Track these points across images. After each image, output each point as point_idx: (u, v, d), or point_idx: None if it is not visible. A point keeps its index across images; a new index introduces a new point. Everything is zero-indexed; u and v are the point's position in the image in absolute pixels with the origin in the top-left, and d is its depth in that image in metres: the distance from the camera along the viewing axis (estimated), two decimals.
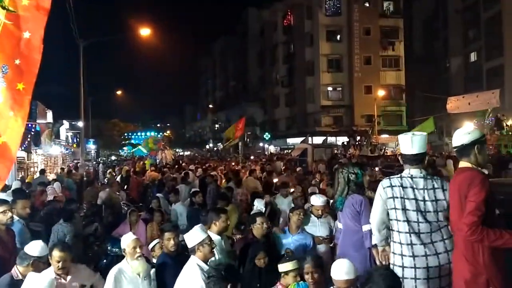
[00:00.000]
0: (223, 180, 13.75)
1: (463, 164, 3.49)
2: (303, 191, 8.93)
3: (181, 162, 26.40)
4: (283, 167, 17.97)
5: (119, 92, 42.73)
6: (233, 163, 22.83)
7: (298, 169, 15.56)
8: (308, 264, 3.93)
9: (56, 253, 4.11)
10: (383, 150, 31.05)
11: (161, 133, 60.11)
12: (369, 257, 4.96)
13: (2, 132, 4.05)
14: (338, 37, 47.17)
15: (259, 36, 60.35)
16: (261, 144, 54.75)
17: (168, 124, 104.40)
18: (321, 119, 46.76)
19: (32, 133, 16.68)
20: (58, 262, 4.10)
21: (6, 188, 7.52)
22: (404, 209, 3.74)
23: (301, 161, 22.65)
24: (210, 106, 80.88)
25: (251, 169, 15.30)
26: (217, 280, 3.27)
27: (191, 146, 78.37)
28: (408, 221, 3.73)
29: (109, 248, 7.05)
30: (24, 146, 15.83)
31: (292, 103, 52.19)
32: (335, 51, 46.94)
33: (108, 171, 21.50)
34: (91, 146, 41.22)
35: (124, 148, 62.67)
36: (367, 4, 46.72)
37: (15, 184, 9.74)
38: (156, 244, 5.41)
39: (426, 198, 3.75)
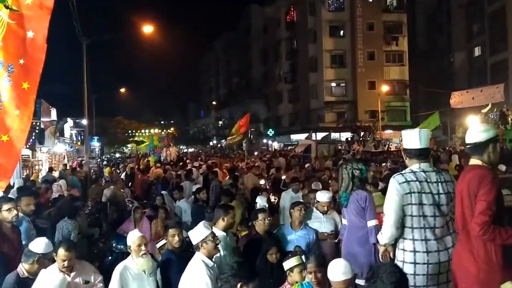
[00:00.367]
0: (227, 177, 13.77)
1: (474, 161, 3.45)
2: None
3: (185, 158, 26.47)
4: (286, 163, 17.94)
5: (122, 90, 42.82)
6: (236, 160, 22.85)
7: (307, 165, 15.50)
8: (311, 263, 3.87)
9: (62, 252, 4.14)
10: (387, 146, 30.98)
11: (165, 131, 60.17)
12: (374, 253, 4.97)
13: (8, 130, 4.08)
14: (341, 32, 46.95)
15: (262, 33, 60.19)
16: (264, 141, 54.74)
17: (172, 121, 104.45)
18: (325, 115, 46.66)
19: (37, 131, 16.72)
20: (64, 261, 4.14)
21: (9, 187, 7.58)
22: (420, 204, 3.72)
23: (305, 157, 22.64)
24: (214, 103, 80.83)
25: (251, 165, 15.32)
26: (229, 277, 3.23)
27: (195, 143, 78.45)
28: (423, 216, 3.72)
29: (114, 245, 7.09)
30: (29, 144, 15.88)
31: (296, 99, 52.09)
32: (338, 46, 46.75)
33: (106, 169, 21.65)
34: (95, 144, 41.31)
35: (128, 145, 62.82)
36: None
37: (18, 183, 9.79)
38: (164, 244, 5.43)
39: (440, 191, 3.76)
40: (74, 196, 9.48)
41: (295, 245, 5.26)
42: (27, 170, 17.13)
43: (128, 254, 4.48)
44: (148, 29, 19.62)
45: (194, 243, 4.20)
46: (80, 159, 25.83)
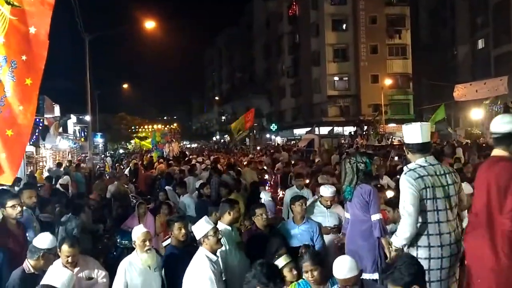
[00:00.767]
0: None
1: (498, 152, 3.35)
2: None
3: (187, 153, 26.54)
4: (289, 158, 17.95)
5: (125, 86, 42.85)
6: (239, 155, 22.89)
7: (317, 160, 15.40)
8: (307, 262, 3.75)
9: (65, 248, 4.18)
10: (390, 140, 30.95)
11: (168, 126, 60.24)
12: (378, 247, 4.96)
13: (12, 124, 4.11)
14: (344, 26, 46.76)
15: (265, 27, 60.04)
16: (267, 136, 54.74)
17: (175, 117, 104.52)
18: (328, 109, 46.57)
19: (40, 127, 16.76)
20: (67, 257, 4.17)
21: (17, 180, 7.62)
22: (434, 198, 3.71)
23: (308, 152, 22.62)
24: (216, 98, 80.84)
25: (249, 160, 15.29)
26: (250, 278, 3.11)
27: (198, 139, 78.59)
28: (437, 210, 3.71)
29: (118, 240, 7.13)
30: (33, 140, 15.92)
31: (298, 93, 51.99)
32: (341, 40, 46.57)
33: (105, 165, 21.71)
34: (99, 140, 41.39)
35: (132, 141, 62.93)
36: None
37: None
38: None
39: (449, 182, 3.78)
40: (80, 192, 9.51)
41: (298, 240, 5.27)
42: (31, 167, 17.20)
43: (133, 249, 4.50)
44: (150, 24, 19.61)
45: (197, 238, 4.21)
46: (83, 155, 25.92)
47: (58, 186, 10.85)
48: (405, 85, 46.47)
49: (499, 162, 3.27)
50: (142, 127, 74.93)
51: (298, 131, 47.29)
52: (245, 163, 15.43)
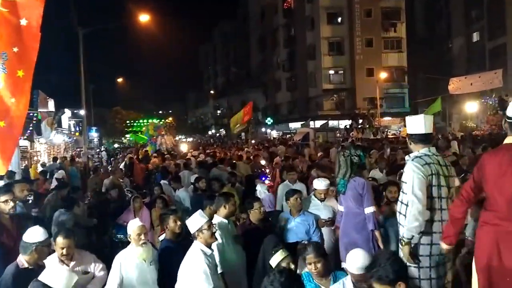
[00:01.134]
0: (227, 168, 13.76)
1: None
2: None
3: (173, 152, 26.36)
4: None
5: (120, 80, 42.83)
6: (235, 149, 22.86)
7: (319, 154, 15.34)
8: (310, 254, 3.77)
9: (60, 240, 4.14)
10: (385, 133, 31.03)
11: (163, 120, 60.10)
12: (372, 239, 4.99)
13: (4, 116, 4.10)
14: (339, 19, 46.61)
15: (260, 20, 59.81)
16: (263, 129, 54.71)
17: (170, 111, 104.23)
18: (323, 102, 46.56)
19: (34, 122, 16.69)
20: (62, 249, 4.13)
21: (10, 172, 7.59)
22: (439, 186, 3.79)
23: (303, 145, 22.62)
24: (212, 92, 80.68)
25: (240, 154, 15.25)
26: (265, 283, 3.05)
27: (194, 132, 78.45)
28: (441, 197, 3.79)
29: (113, 234, 7.13)
30: (27, 135, 15.86)
31: (294, 87, 51.92)
32: (336, 33, 46.45)
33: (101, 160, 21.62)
34: (94, 134, 41.30)
35: (127, 135, 62.75)
36: None
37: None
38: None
39: (451, 173, 3.92)
40: (74, 186, 9.47)
41: (293, 232, 5.27)
42: (26, 161, 17.13)
43: (128, 243, 4.49)
44: (144, 18, 19.49)
45: (191, 232, 4.21)
46: (78, 149, 25.82)
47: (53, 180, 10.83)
48: (400, 79, 46.48)
49: None
50: (137, 121, 74.72)
51: (294, 125, 47.26)
52: (244, 157, 15.29)
